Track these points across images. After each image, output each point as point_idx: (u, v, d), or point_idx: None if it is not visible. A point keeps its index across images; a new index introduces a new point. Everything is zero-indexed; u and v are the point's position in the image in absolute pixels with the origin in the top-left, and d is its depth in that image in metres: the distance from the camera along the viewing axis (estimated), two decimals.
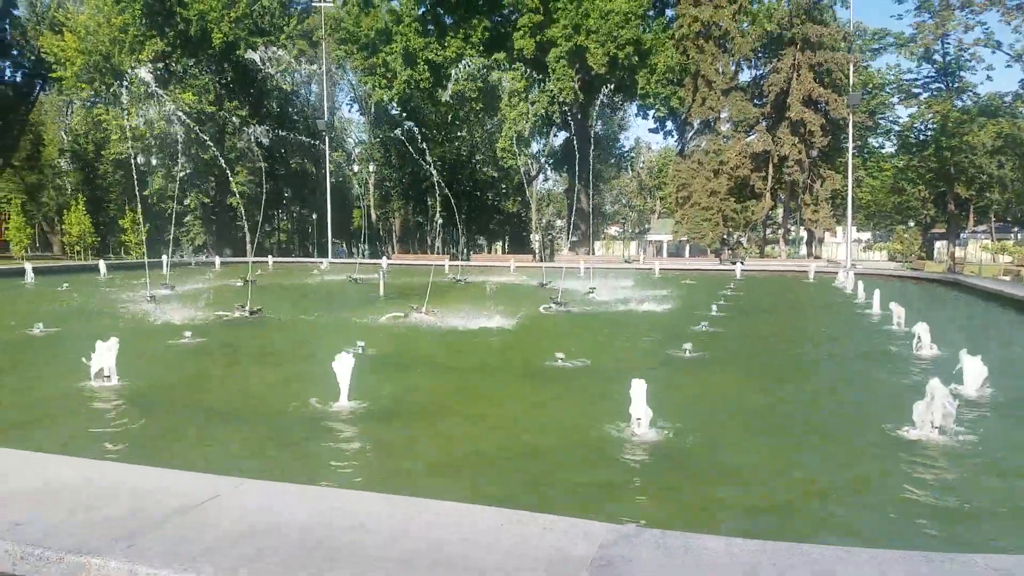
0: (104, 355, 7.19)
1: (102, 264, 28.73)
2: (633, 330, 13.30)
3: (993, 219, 79.56)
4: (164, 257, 26.53)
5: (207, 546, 2.84)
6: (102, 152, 62.23)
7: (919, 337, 9.47)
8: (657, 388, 5.59)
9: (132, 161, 45.98)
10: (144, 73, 31.80)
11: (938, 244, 66.84)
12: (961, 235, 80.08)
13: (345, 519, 3.16)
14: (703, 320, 12.73)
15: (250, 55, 43.10)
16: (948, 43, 45.60)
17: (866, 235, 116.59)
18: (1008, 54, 42.83)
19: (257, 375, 8.96)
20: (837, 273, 20.43)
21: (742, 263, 33.29)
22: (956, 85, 47.05)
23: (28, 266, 24.65)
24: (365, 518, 3.16)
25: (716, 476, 4.99)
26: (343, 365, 6.30)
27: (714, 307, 14.90)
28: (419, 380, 8.41)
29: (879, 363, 9.39)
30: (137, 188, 27.11)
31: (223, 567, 2.67)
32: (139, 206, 56.80)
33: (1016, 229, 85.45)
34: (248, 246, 65.11)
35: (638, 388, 5.36)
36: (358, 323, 13.20)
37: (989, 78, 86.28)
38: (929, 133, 50.41)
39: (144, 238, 55.11)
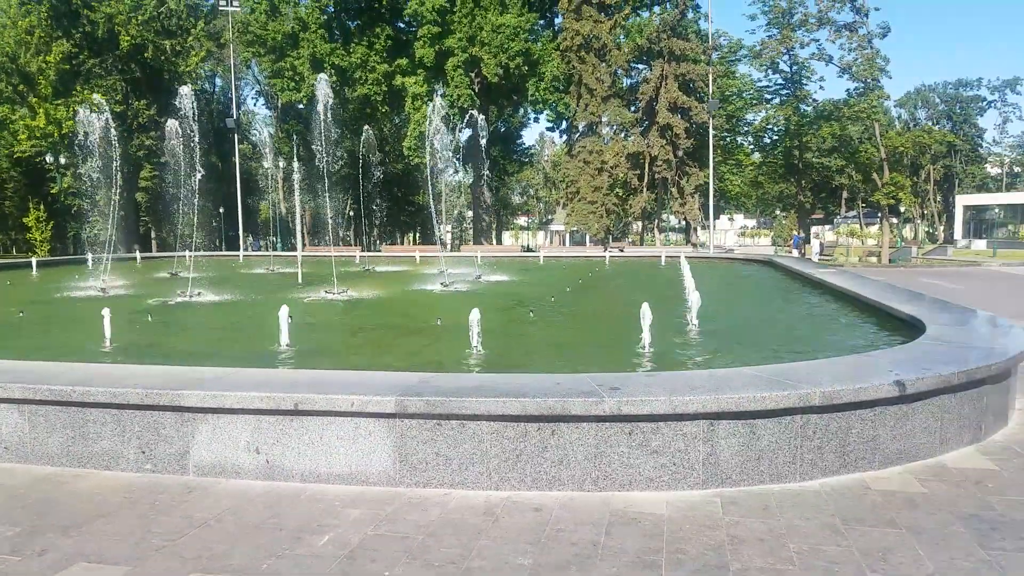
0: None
1: (34, 261, 30.50)
2: (499, 302, 17.22)
3: (862, 206, 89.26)
4: (89, 255, 28.55)
5: (233, 383, 6.41)
6: None
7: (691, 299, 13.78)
8: (501, 335, 9.41)
9: (43, 159, 46.75)
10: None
11: (815, 229, 75.31)
12: (835, 221, 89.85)
13: (284, 377, 6.82)
14: (554, 294, 16.85)
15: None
16: (793, 56, 52.57)
17: (752, 222, 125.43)
18: (838, 67, 49.97)
19: (212, 335, 12.35)
20: (679, 257, 24.98)
21: (621, 251, 38.00)
22: (798, 93, 54.08)
23: None
24: (298, 377, 6.82)
25: (512, 363, 8.89)
26: (283, 315, 9.79)
27: (568, 288, 19.07)
28: (336, 335, 12.01)
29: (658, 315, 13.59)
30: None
31: (247, 392, 6.24)
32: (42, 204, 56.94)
33: (880, 215, 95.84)
34: (153, 242, 65.92)
35: (474, 316, 9.24)
36: (284, 299, 16.58)
37: (821, 87, 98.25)
38: (778, 135, 57.64)
39: (49, 236, 55.70)
